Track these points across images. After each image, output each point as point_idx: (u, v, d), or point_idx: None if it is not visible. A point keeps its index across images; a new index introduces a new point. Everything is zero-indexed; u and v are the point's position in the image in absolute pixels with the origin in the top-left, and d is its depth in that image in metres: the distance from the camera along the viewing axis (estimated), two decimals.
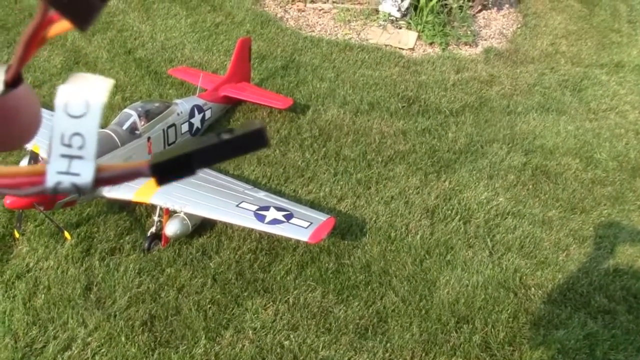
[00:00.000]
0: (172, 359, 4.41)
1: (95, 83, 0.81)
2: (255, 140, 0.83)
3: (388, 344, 4.67)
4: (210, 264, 5.16)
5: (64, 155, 0.80)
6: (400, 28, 9.11)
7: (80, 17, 0.78)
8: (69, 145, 0.79)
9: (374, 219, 5.76)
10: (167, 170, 0.83)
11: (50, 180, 0.80)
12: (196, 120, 6.22)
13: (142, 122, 5.51)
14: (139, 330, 4.56)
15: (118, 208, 5.54)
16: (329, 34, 9.08)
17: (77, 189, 0.81)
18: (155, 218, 5.24)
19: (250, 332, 4.65)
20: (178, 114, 5.97)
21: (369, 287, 5.11)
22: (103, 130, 5.43)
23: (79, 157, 0.80)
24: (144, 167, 0.83)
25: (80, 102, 0.79)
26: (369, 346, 4.65)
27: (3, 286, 4.83)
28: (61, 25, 0.83)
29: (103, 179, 0.82)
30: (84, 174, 0.80)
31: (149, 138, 5.58)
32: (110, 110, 6.61)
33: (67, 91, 0.80)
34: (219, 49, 8.26)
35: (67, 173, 0.80)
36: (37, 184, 0.81)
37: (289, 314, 4.82)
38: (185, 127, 6.06)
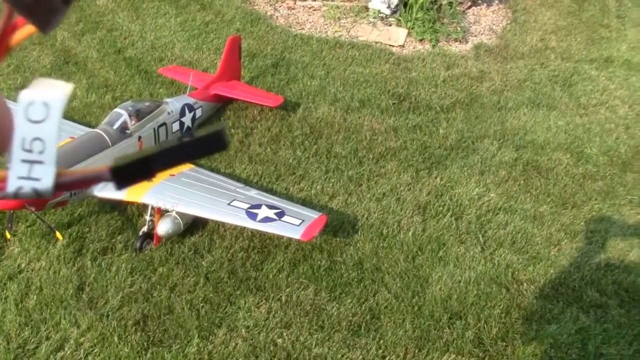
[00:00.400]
0: (165, 358, 4.40)
1: (56, 88, 0.81)
2: (214, 142, 0.84)
3: (381, 341, 4.68)
4: (203, 262, 5.15)
5: (24, 160, 0.80)
6: (390, 25, 9.11)
7: (43, 20, 0.79)
8: (30, 150, 0.79)
9: (365, 216, 5.76)
10: (127, 173, 0.84)
11: (12, 185, 0.80)
12: (187, 119, 6.21)
13: (133, 122, 5.50)
14: (131, 330, 4.55)
15: (109, 208, 5.52)
16: (319, 32, 9.08)
17: (38, 194, 0.81)
18: (147, 217, 5.23)
19: (243, 330, 4.65)
20: (169, 113, 5.96)
21: (362, 284, 5.11)
22: (94, 130, 5.43)
23: (40, 162, 0.80)
24: (104, 172, 0.84)
25: (40, 107, 0.79)
26: (362, 343, 4.65)
27: None
28: (25, 31, 0.83)
29: (64, 183, 0.82)
30: (45, 178, 0.80)
31: (139, 137, 5.57)
32: (101, 109, 6.61)
33: (28, 96, 0.80)
34: (209, 48, 8.24)
35: (28, 178, 0.80)
36: None
37: (281, 312, 4.82)
38: (176, 126, 6.05)
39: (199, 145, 0.84)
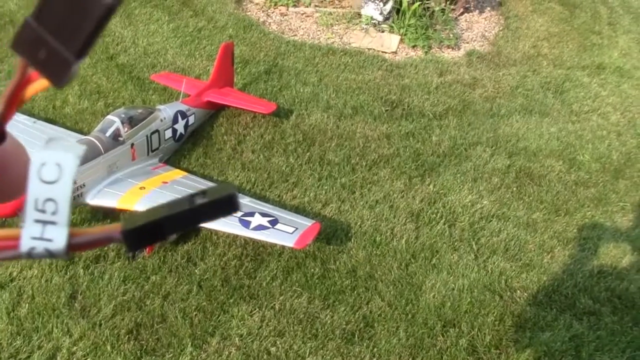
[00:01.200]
0: None
1: (68, 149, 0.82)
2: (226, 206, 0.85)
3: (375, 349, 4.67)
4: (196, 270, 5.13)
5: (37, 221, 0.80)
6: (382, 31, 9.12)
7: (56, 74, 0.80)
8: (43, 211, 0.80)
9: (359, 223, 5.76)
10: (139, 236, 0.84)
11: (25, 245, 0.81)
12: (180, 126, 6.19)
13: (126, 129, 5.48)
14: (124, 338, 4.53)
15: (102, 215, 5.50)
16: (312, 38, 9.08)
17: (51, 255, 0.82)
18: None
19: (237, 338, 4.64)
20: (161, 120, 5.95)
21: (355, 292, 5.11)
22: (86, 137, 5.41)
23: (52, 223, 0.81)
24: (115, 233, 0.85)
25: (53, 168, 0.80)
26: (355, 351, 4.64)
27: None
28: (39, 84, 0.84)
29: (76, 244, 0.83)
30: (57, 240, 0.81)
31: (132, 144, 5.55)
32: (93, 116, 6.59)
33: (41, 157, 0.81)
34: (201, 54, 8.23)
35: (41, 239, 0.80)
36: (11, 248, 0.82)
37: (275, 320, 4.81)
38: (168, 133, 6.03)
39: (212, 209, 0.85)
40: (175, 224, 0.84)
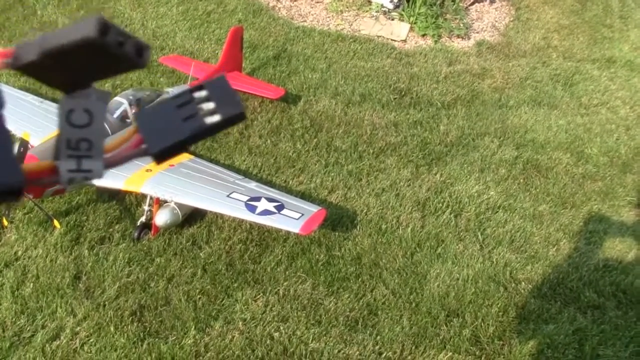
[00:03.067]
0: (161, 349, 4.39)
1: (95, 96, 0.86)
2: (236, 119, 0.92)
3: (378, 337, 4.66)
4: (201, 254, 5.13)
5: (71, 156, 0.85)
6: (392, 19, 9.08)
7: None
8: (77, 149, 0.85)
9: (364, 211, 5.75)
10: (166, 154, 0.92)
11: (64, 177, 0.85)
12: None
13: (133, 111, 5.47)
14: (128, 320, 4.54)
15: (108, 197, 5.50)
16: (321, 24, 9.04)
17: (90, 180, 0.88)
18: (146, 207, 5.21)
19: (240, 323, 4.64)
20: None
21: (360, 280, 5.10)
22: None
23: (88, 157, 0.85)
24: (145, 149, 0.91)
25: (82, 114, 0.84)
26: (359, 339, 4.64)
27: None
28: None
29: (110, 163, 0.88)
30: (95, 169, 0.86)
31: None
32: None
33: (68, 104, 0.84)
34: (210, 38, 8.21)
35: (79, 171, 0.85)
36: (50, 177, 0.90)
37: (279, 306, 4.81)
38: None
39: (223, 124, 0.91)
40: (195, 140, 0.93)
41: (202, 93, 0.93)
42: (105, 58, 0.82)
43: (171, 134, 0.91)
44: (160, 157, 0.91)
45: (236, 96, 0.95)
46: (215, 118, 0.91)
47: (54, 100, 6.12)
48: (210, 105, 0.92)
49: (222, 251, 5.17)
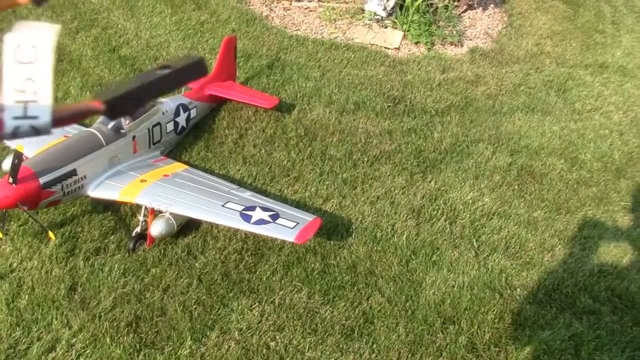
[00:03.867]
0: None
1: (41, 29, 0.83)
2: (195, 69, 0.91)
3: (374, 345, 4.66)
4: (196, 264, 5.13)
5: (18, 101, 0.81)
6: (385, 27, 9.11)
7: None
8: (23, 91, 0.81)
9: (359, 219, 5.75)
10: (118, 105, 0.88)
11: (9, 125, 0.81)
12: (181, 119, 6.19)
13: (127, 121, 5.47)
14: (124, 331, 4.53)
15: (103, 208, 5.50)
16: (315, 33, 9.07)
17: (37, 131, 0.82)
18: (141, 218, 5.20)
19: (236, 333, 4.63)
20: (163, 113, 5.94)
21: (355, 288, 5.10)
22: (88, 129, 5.40)
23: (34, 101, 0.81)
24: (96, 104, 0.88)
25: (28, 49, 0.81)
26: (355, 347, 4.63)
27: None
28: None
29: (60, 118, 0.84)
30: (42, 115, 0.81)
31: (134, 137, 5.55)
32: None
33: (15, 40, 0.81)
34: (204, 47, 8.22)
35: (24, 117, 0.81)
36: None
37: (275, 315, 4.80)
38: (170, 126, 6.02)
39: (182, 74, 0.89)
40: (149, 91, 0.88)
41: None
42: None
43: (122, 87, 0.90)
44: (112, 108, 0.88)
45: (195, 56, 0.93)
46: (166, 70, 0.90)
47: None
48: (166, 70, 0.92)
49: (217, 261, 5.17)
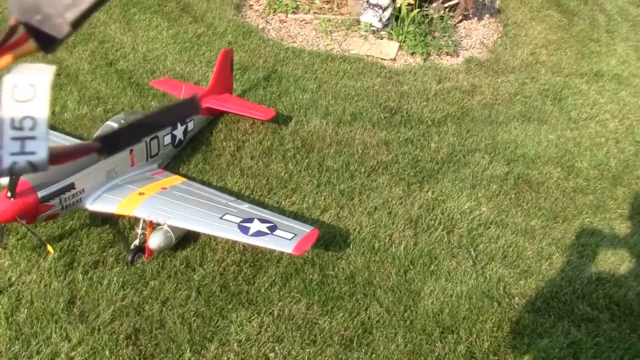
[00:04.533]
0: None
1: (39, 70, 0.86)
2: (188, 107, 0.93)
3: (373, 355, 4.67)
4: (195, 276, 5.14)
5: (15, 138, 0.83)
6: (381, 38, 9.14)
7: (47, 40, 0.84)
8: (20, 128, 0.83)
9: (357, 229, 5.77)
10: (115, 141, 0.93)
11: (6, 161, 0.83)
12: (179, 132, 6.21)
13: None
14: (123, 344, 4.53)
15: (101, 221, 5.51)
16: (311, 45, 9.10)
17: (34, 167, 0.84)
18: (139, 231, 5.22)
19: (235, 344, 4.64)
20: None
21: (354, 298, 5.11)
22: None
23: (32, 138, 0.84)
24: (93, 143, 0.90)
25: (26, 88, 0.83)
26: (354, 357, 4.64)
27: None
28: (26, 47, 0.88)
29: (57, 155, 0.86)
30: (39, 151, 0.84)
31: (131, 150, 5.56)
32: (93, 122, 6.59)
33: (13, 80, 0.83)
34: (200, 60, 8.25)
35: (22, 153, 0.83)
36: None
37: (273, 326, 4.81)
38: (167, 139, 6.04)
39: (176, 110, 0.91)
40: (146, 126, 0.90)
41: None
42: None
43: (119, 124, 0.94)
44: (107, 146, 0.91)
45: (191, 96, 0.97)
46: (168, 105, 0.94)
47: (51, 127, 6.12)
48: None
49: (216, 273, 5.18)
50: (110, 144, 0.91)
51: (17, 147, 0.84)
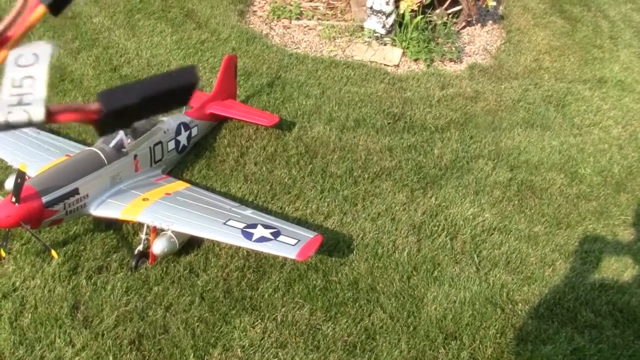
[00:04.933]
0: None
1: (43, 44, 0.89)
2: (186, 75, 0.95)
3: None
4: (198, 281, 5.15)
5: (14, 95, 0.86)
6: (385, 44, 9.16)
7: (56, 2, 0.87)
8: (20, 86, 0.86)
9: (360, 235, 5.77)
10: (113, 97, 0.95)
11: (3, 114, 0.85)
12: (182, 138, 6.22)
13: (129, 140, 5.51)
14: (126, 349, 4.54)
15: (105, 226, 5.52)
16: (315, 51, 9.11)
17: (30, 120, 0.86)
18: (143, 236, 5.23)
19: (239, 350, 4.65)
20: (164, 132, 5.97)
21: (357, 304, 5.12)
22: (89, 148, 5.43)
23: (30, 93, 0.86)
24: (93, 104, 0.94)
25: (29, 56, 0.87)
26: None
27: None
28: (37, 12, 0.91)
29: (54, 111, 0.88)
30: (36, 104, 0.86)
31: (135, 156, 5.58)
32: None
33: (18, 51, 0.87)
34: (204, 66, 8.26)
35: (19, 104, 0.85)
36: None
37: (277, 332, 4.82)
38: (171, 145, 6.05)
39: (173, 77, 0.93)
40: (145, 88, 0.93)
41: None
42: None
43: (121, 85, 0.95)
44: (107, 100, 0.93)
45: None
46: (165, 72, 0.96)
47: (51, 131, 6.15)
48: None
49: (219, 278, 5.19)
50: (108, 100, 0.94)
51: (15, 100, 0.88)
